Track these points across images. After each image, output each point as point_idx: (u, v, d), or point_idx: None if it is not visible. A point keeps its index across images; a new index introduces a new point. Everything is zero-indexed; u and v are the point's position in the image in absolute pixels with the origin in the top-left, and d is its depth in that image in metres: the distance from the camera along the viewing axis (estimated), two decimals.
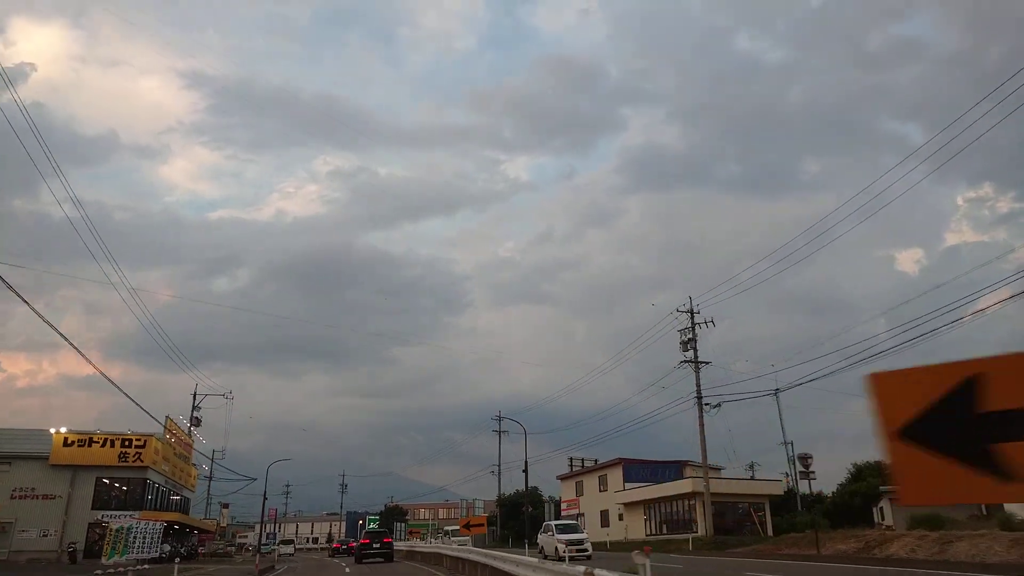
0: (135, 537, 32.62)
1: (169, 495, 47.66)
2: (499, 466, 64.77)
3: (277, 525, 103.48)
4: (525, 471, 58.16)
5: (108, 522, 31.08)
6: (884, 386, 2.37)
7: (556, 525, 30.26)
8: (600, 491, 55.21)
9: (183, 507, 52.47)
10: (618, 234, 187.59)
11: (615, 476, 52.84)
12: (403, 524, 79.19)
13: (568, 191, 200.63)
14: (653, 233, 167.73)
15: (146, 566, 31.67)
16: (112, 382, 41.73)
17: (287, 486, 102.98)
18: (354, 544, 45.78)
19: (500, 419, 63.90)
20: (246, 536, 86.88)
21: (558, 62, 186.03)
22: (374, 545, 35.63)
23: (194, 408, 52.68)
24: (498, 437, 64.17)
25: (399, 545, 43.59)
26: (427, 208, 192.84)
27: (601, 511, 54.05)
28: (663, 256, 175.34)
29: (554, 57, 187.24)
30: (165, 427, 44.34)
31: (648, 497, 46.98)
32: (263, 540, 77.85)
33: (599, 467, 56.56)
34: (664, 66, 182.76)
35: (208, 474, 62.55)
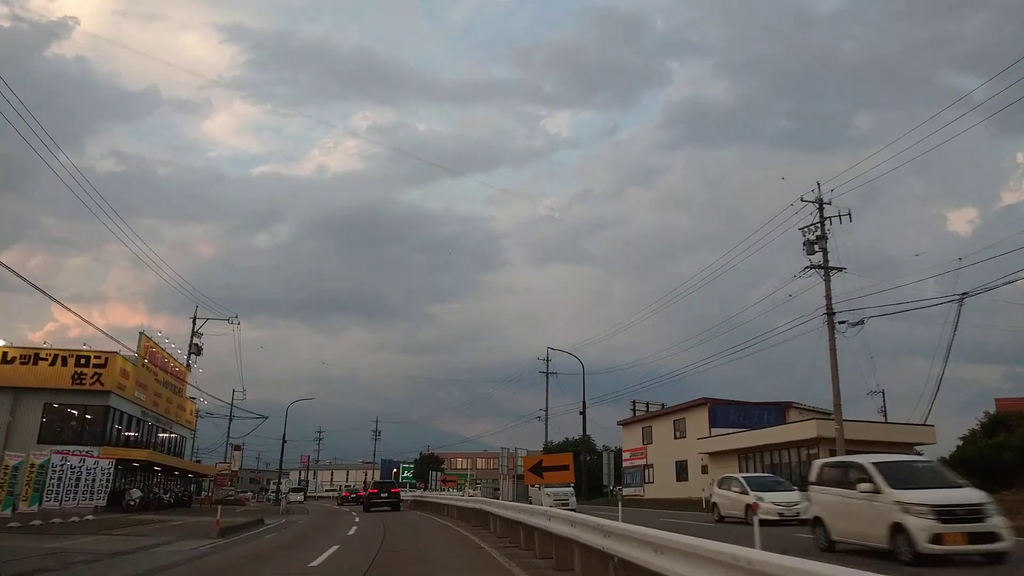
0: (74, 478, 23.82)
1: (154, 431, 39.32)
2: (546, 409, 55.44)
3: (309, 472, 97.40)
4: (583, 412, 48.55)
5: (19, 457, 22.17)
6: None
7: (747, 479, 21.70)
8: (676, 438, 45.22)
9: (177, 447, 44.33)
10: (660, 192, 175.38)
11: (698, 420, 42.70)
12: (437, 472, 71.31)
13: (609, 147, 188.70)
14: (697, 191, 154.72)
15: (89, 517, 23.05)
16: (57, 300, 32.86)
17: (319, 432, 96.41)
18: (362, 493, 46.56)
19: (548, 356, 54.33)
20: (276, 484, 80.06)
21: (602, 13, 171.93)
22: (382, 495, 36.66)
23: (193, 334, 44.17)
24: (545, 379, 54.78)
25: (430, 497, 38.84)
26: (465, 165, 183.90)
27: (677, 462, 44.15)
28: (707, 214, 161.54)
29: (598, 8, 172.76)
30: (140, 347, 35.59)
31: (747, 445, 36.84)
32: (285, 487, 71.74)
33: (675, 409, 46.44)
34: (713, 17, 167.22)
35: (227, 414, 55.40)
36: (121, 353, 32.50)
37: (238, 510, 35.92)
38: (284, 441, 59.97)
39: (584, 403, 48.44)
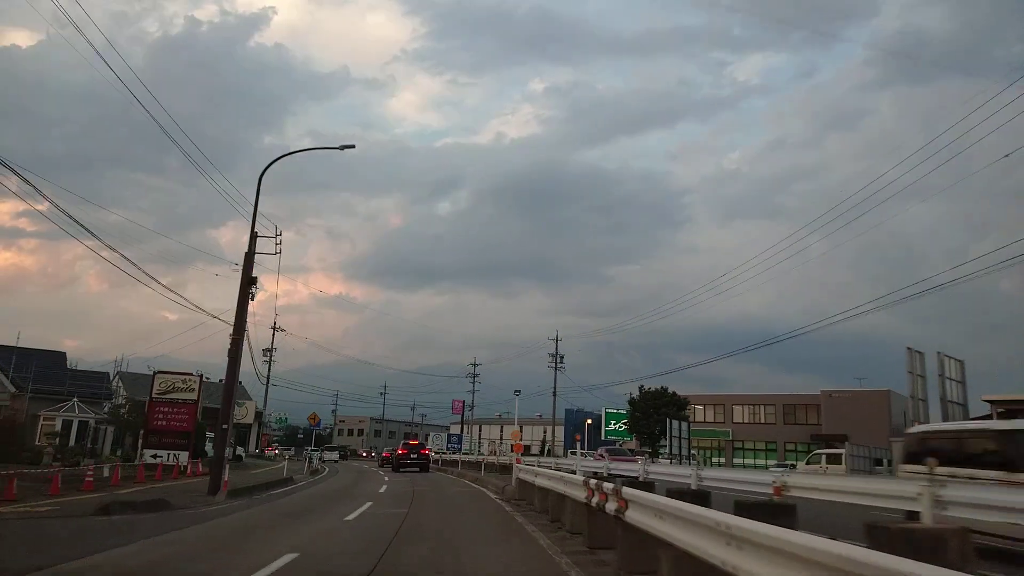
0: None
1: None
2: None
3: (467, 427, 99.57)
4: None
5: None
6: None
7: None
8: None
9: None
10: (865, 137, 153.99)
11: None
12: (683, 423, 65.81)
13: (805, 92, 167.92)
14: (908, 134, 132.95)
15: None
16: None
17: (473, 373, 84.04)
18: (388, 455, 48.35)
19: None
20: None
21: None
22: (411, 456, 38.04)
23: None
24: None
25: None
26: (645, 121, 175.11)
27: None
28: (921, 160, 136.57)
29: None
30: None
31: None
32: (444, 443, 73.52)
33: None
34: None
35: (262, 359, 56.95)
36: None
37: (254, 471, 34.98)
38: (334, 403, 60.65)
39: None
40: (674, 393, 50.18)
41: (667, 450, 45.46)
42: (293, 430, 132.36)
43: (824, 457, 31.42)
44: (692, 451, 44.62)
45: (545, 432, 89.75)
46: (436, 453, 57.09)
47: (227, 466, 17.78)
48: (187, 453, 27.27)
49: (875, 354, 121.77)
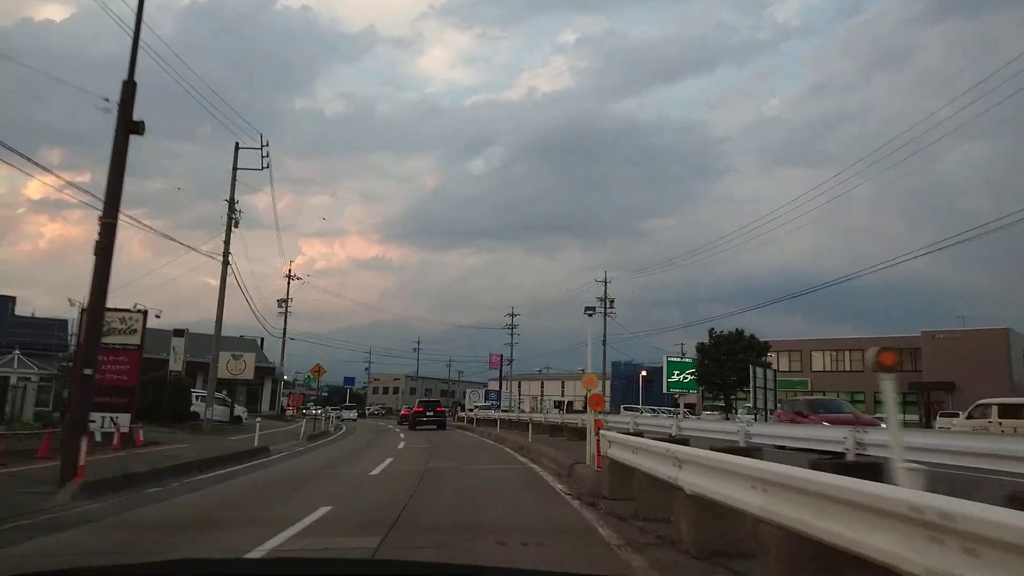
0: None
1: None
2: None
3: (506, 383, 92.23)
4: None
5: None
6: None
7: None
8: None
9: None
10: (913, 76, 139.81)
11: None
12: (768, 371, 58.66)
13: (849, 31, 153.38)
14: (961, 71, 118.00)
15: None
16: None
17: (511, 324, 75.92)
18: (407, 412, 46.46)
19: None
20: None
21: None
22: (427, 413, 37.89)
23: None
24: None
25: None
26: (682, 68, 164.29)
27: None
28: (974, 98, 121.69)
29: None
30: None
31: None
32: (482, 401, 66.37)
33: None
34: None
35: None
36: None
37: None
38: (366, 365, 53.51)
39: None
40: (752, 336, 41.64)
41: (749, 403, 37.48)
42: (335, 389, 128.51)
43: (996, 409, 22.92)
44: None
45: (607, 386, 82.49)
46: (473, 411, 50.94)
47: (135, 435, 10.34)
48: (128, 415, 20.10)
49: (909, 302, 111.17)
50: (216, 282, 27.42)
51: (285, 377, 69.72)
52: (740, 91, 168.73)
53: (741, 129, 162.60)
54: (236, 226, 27.79)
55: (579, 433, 19.77)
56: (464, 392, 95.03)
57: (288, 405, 65.45)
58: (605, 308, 55.01)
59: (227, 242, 27.37)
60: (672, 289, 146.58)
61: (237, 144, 28.02)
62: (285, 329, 51.54)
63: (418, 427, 36.69)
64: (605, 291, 55.30)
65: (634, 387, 77.30)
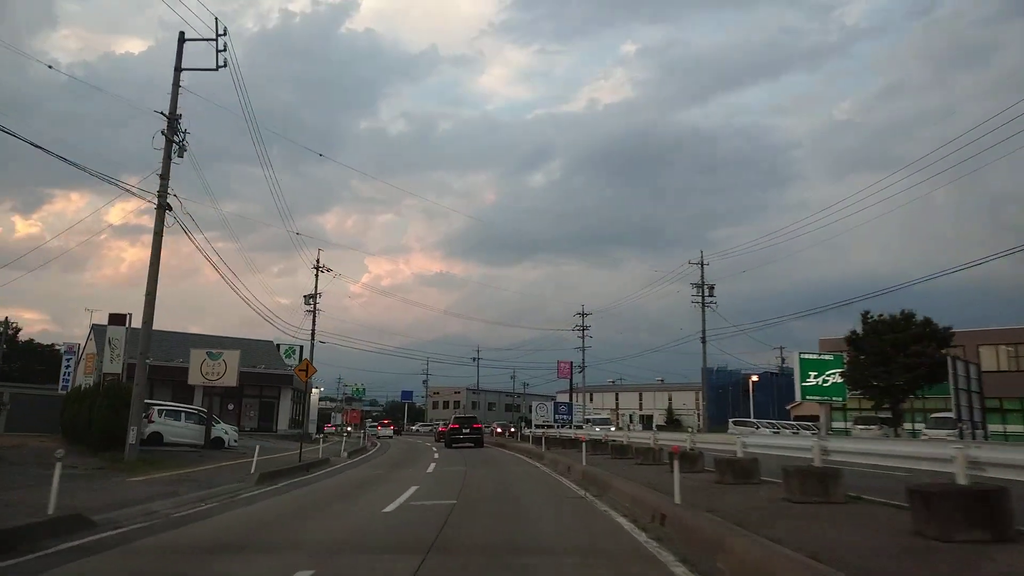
0: None
1: None
2: None
3: (577, 395, 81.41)
4: None
5: None
6: None
7: None
8: None
9: None
10: (995, 74, 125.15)
11: None
12: None
13: (923, 30, 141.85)
14: None
15: None
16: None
17: (582, 325, 69.75)
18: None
19: None
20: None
21: None
22: (463, 430, 35.79)
23: None
24: None
25: None
26: (747, 75, 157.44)
27: None
28: None
29: None
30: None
31: None
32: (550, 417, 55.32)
33: None
34: None
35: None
36: None
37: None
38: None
39: None
40: (928, 321, 29.78)
41: (944, 412, 25.82)
42: (395, 405, 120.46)
43: None
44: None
45: (697, 397, 71.10)
46: (541, 428, 41.02)
47: None
48: None
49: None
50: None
51: (320, 388, 61.86)
52: (809, 95, 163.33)
53: (811, 134, 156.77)
54: (180, 156, 18.59)
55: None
56: (530, 406, 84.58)
57: (346, 422, 61.86)
58: (703, 297, 43.79)
59: (164, 176, 18.16)
60: (749, 300, 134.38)
61: (182, 34, 18.90)
62: (314, 331, 42.75)
63: (454, 445, 34.74)
64: (702, 276, 44.15)
65: (730, 397, 65.34)
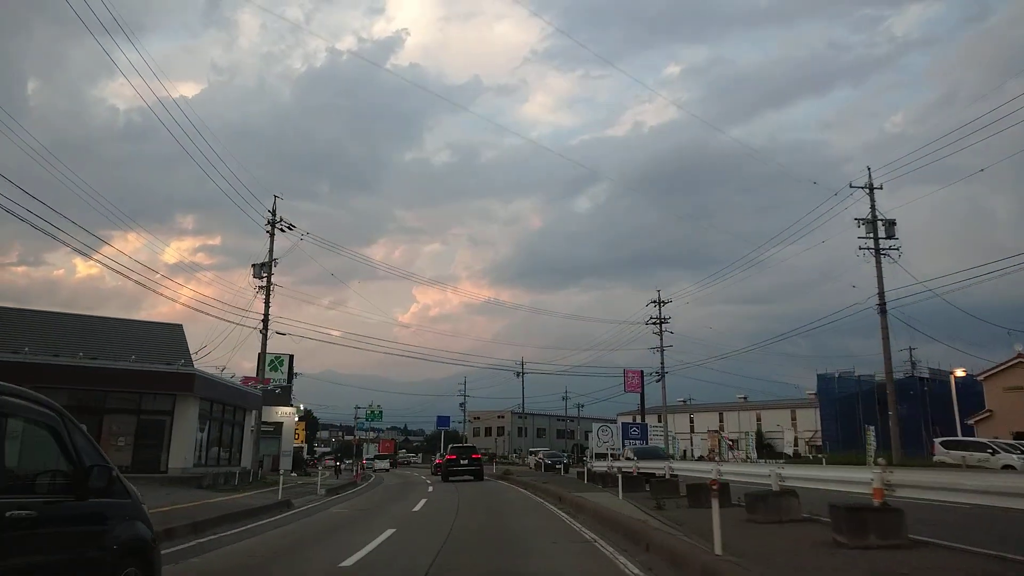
0: None
1: None
2: None
3: (645, 416, 65.74)
4: None
5: None
6: None
7: None
8: None
9: None
10: None
11: None
12: None
13: (976, 38, 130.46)
14: None
15: None
16: None
17: (659, 319, 62.43)
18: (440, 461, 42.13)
19: None
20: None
21: None
22: (461, 462, 33.74)
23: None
24: None
25: None
26: (793, 91, 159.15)
27: None
28: None
29: None
30: None
31: None
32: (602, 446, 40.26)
33: None
34: None
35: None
36: None
37: None
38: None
39: None
40: None
41: None
42: (433, 434, 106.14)
43: None
44: None
45: (793, 417, 55.46)
46: (608, 459, 27.05)
47: None
48: None
49: None
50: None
51: (300, 405, 49.65)
52: (858, 109, 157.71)
53: (861, 148, 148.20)
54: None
55: None
56: (586, 432, 69.17)
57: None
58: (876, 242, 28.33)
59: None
60: (795, 319, 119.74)
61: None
62: (267, 316, 28.71)
63: (452, 478, 32.40)
64: (873, 210, 28.76)
65: (860, 413, 48.73)
